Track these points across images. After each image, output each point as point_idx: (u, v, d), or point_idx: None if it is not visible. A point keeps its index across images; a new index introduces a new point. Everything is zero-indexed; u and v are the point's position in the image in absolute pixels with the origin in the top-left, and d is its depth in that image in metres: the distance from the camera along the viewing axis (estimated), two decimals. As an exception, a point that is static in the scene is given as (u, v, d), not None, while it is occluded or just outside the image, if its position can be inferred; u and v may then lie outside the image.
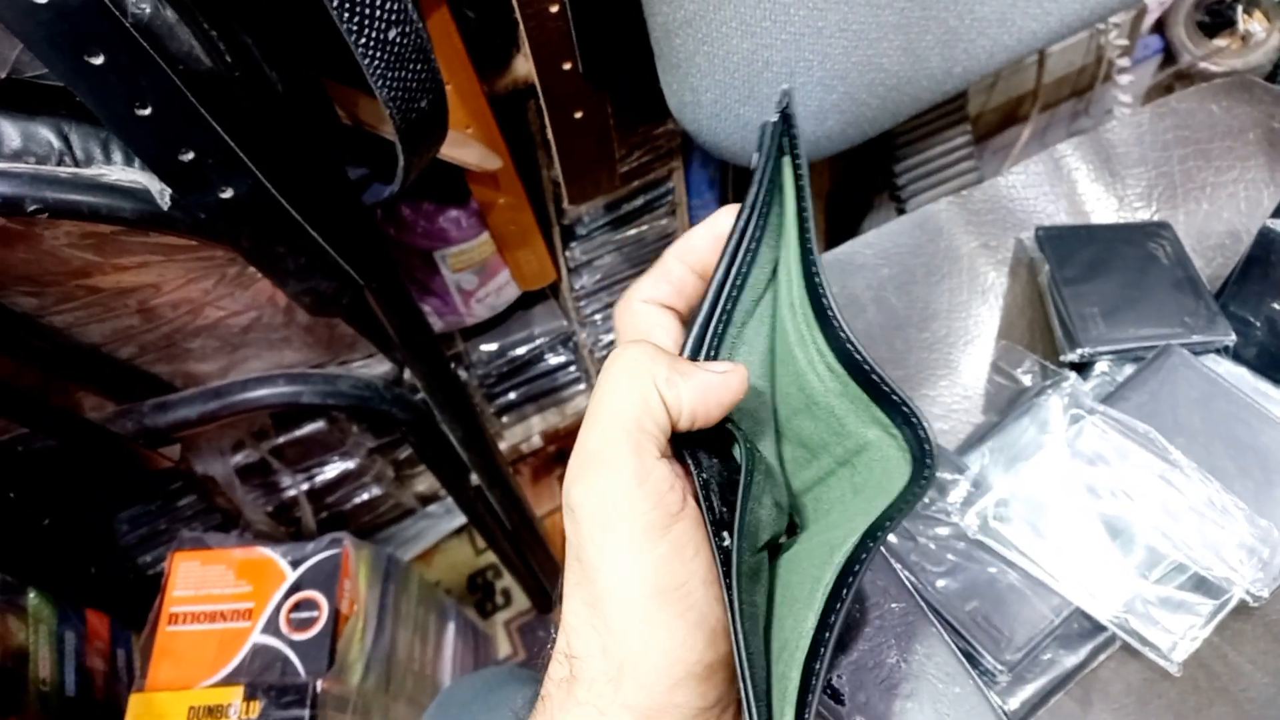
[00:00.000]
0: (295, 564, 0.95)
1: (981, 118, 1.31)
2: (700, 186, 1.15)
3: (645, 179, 1.04)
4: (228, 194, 0.57)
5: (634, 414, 0.32)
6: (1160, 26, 1.44)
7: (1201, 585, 0.65)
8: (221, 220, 0.58)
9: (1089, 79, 1.36)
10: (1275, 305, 0.74)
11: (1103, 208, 0.86)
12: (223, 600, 0.93)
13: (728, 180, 1.16)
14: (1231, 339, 0.73)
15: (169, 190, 0.56)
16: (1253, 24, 1.37)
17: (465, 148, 0.77)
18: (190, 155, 0.53)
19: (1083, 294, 0.77)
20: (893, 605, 0.47)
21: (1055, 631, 0.67)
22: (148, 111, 0.50)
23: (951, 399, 0.80)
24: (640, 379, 0.33)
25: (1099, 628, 0.66)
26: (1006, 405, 0.75)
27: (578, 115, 0.74)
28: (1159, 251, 0.80)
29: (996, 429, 0.72)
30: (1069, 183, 0.86)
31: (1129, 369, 0.74)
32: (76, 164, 0.54)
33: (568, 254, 1.09)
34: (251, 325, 0.78)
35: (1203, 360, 0.72)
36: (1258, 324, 0.74)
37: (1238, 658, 0.67)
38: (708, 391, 0.34)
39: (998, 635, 0.66)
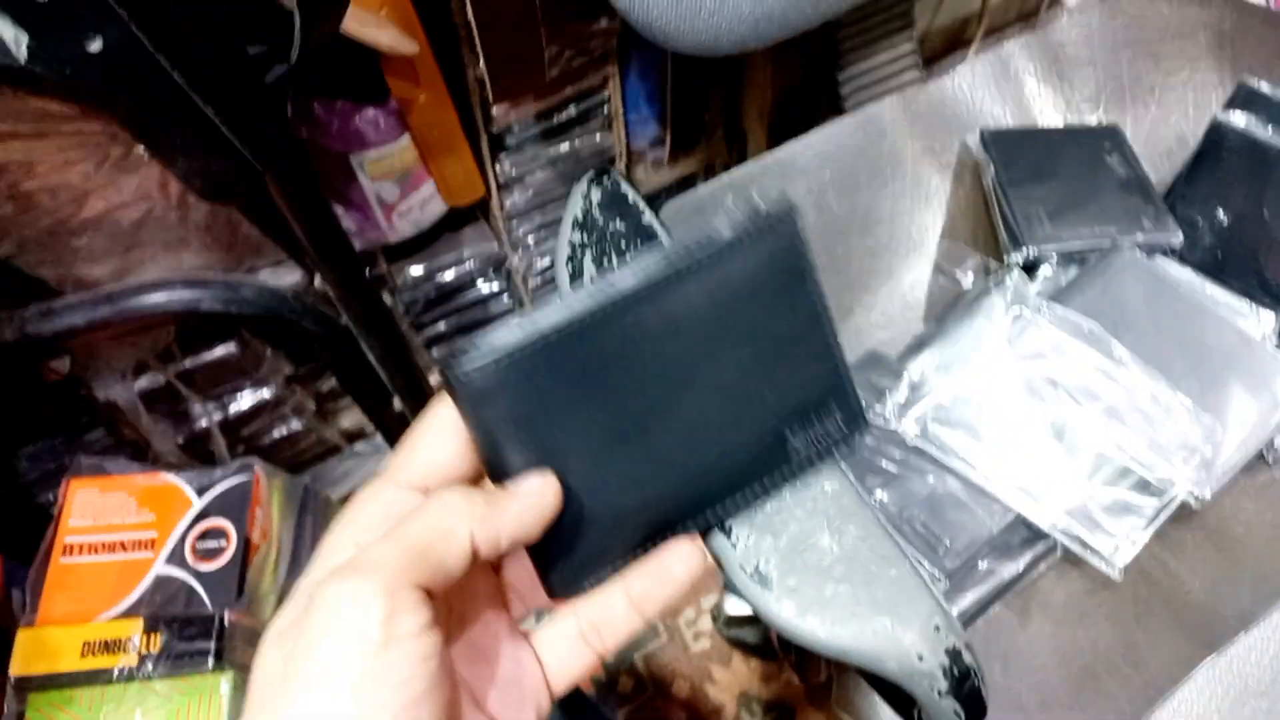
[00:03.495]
0: (201, 491, 0.89)
1: (925, 41, 1.27)
2: (637, 99, 1.10)
3: (578, 85, 0.98)
4: (96, 45, 0.50)
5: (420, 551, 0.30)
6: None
7: (1145, 488, 0.63)
8: (90, 75, 0.51)
9: (1035, 2, 1.33)
10: (1222, 205, 0.72)
11: (1050, 110, 0.83)
12: (123, 530, 0.87)
13: (666, 94, 1.11)
14: (1179, 239, 0.71)
15: (26, 38, 0.50)
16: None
17: (378, 28, 0.71)
18: (47, -7, 0.47)
19: (1028, 195, 0.74)
20: (825, 486, 0.43)
21: (995, 540, 0.64)
22: (-11, -69, 0.43)
23: (893, 306, 0.77)
24: (457, 519, 0.31)
25: (1039, 535, 0.64)
26: (945, 308, 0.72)
27: (500, -6, 0.69)
28: (1107, 155, 0.77)
29: (937, 333, 0.69)
30: (1016, 84, 0.83)
31: (1074, 273, 0.72)
32: (-90, 1, 0.47)
33: (497, 168, 1.03)
34: (143, 221, 0.71)
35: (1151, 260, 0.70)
36: (1205, 224, 0.72)
37: (1178, 565, 0.66)
38: (524, 516, 0.33)
39: (936, 543, 0.64)
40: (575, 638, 0.38)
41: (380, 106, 0.88)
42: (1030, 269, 0.73)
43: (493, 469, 0.35)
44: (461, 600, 0.36)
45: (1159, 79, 0.82)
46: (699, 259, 0.36)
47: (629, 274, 0.35)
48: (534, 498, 0.34)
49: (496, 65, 0.80)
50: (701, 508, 0.39)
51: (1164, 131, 0.81)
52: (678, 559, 0.38)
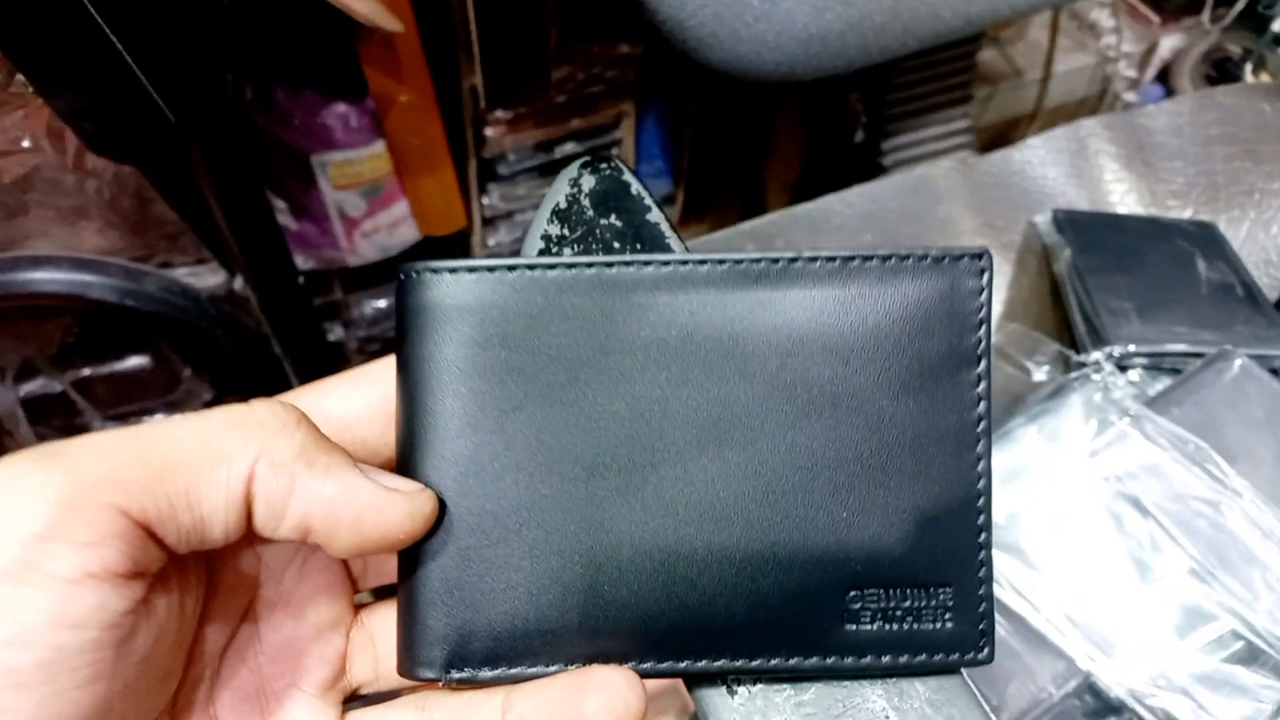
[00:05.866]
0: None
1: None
2: (652, 148, 0.98)
3: (588, 119, 0.87)
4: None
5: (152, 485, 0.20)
6: (1165, 76, 1.34)
7: (1255, 660, 0.48)
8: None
9: (1088, 112, 1.24)
10: (1349, 324, 0.59)
11: (1131, 200, 0.71)
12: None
13: (684, 148, 0.99)
14: (1298, 355, 0.58)
15: None
16: (1262, 82, 1.27)
17: (356, -7, 0.59)
18: None
19: (1111, 286, 0.61)
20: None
21: (1055, 708, 0.49)
22: None
23: (934, 400, 0.63)
24: (241, 442, 0.22)
25: (1113, 708, 0.49)
26: (1010, 404, 0.58)
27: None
28: (1201, 254, 0.65)
29: (995, 430, 0.56)
30: (1094, 166, 0.71)
31: (1164, 385, 0.58)
32: None
33: (485, 199, 0.90)
34: (30, 178, 0.58)
35: (1263, 377, 0.56)
36: (1324, 345, 0.59)
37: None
38: (346, 508, 0.22)
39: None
40: None
41: (355, 104, 0.75)
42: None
43: (405, 442, 0.25)
44: (279, 623, 0.26)
45: (1259, 181, 0.71)
46: (828, 260, 0.26)
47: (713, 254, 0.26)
48: (393, 495, 0.23)
49: (495, 73, 0.68)
50: (674, 647, 0.26)
51: (1263, 239, 0.69)
52: (598, 694, 0.24)
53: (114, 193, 0.60)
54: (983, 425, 0.26)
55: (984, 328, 0.26)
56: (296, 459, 0.22)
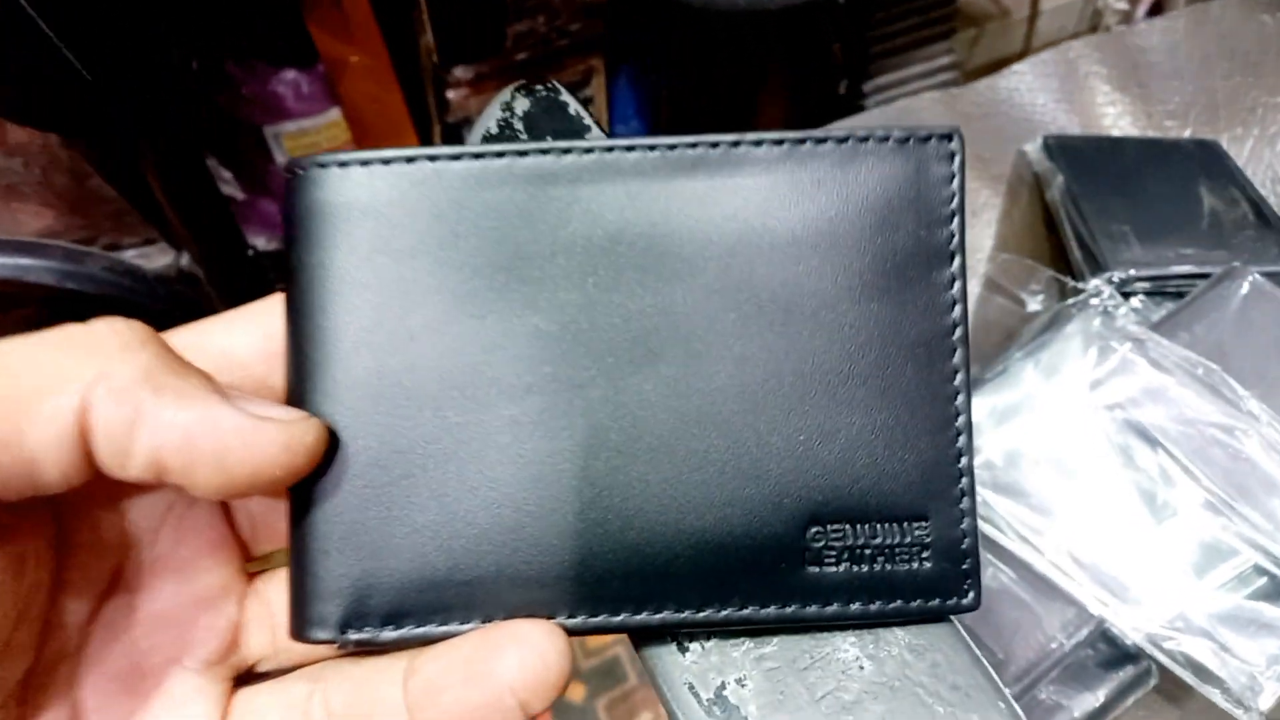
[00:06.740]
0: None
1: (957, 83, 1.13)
2: (626, 109, 0.94)
3: (556, 76, 0.83)
4: None
5: None
6: (1159, 9, 1.30)
7: (1282, 597, 0.45)
8: None
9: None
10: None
11: (1126, 123, 0.67)
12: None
13: (661, 107, 0.95)
14: (1314, 271, 0.54)
15: None
16: (1261, 11, 1.23)
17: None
18: None
19: (1109, 210, 0.58)
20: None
21: (1067, 658, 0.46)
22: None
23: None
24: (73, 365, 0.18)
25: (1128, 656, 0.46)
26: (1003, 340, 0.55)
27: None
28: (1203, 173, 0.61)
29: (990, 367, 0.52)
30: (1085, 89, 0.68)
31: (1167, 311, 0.55)
32: None
33: (452, 169, 0.87)
34: (-46, 156, 0.54)
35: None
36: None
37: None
38: (205, 439, 0.19)
39: (988, 658, 0.45)
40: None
41: (305, 70, 0.72)
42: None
43: (294, 367, 0.22)
44: (157, 591, 0.22)
45: (1262, 96, 0.67)
46: (775, 143, 0.23)
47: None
48: (264, 424, 0.20)
49: (446, 25, 0.64)
50: (609, 597, 0.23)
51: (1269, 156, 0.65)
52: (513, 651, 0.20)
53: (45, 168, 0.57)
54: (959, 333, 0.23)
55: (956, 220, 0.23)
56: (141, 383, 0.19)
